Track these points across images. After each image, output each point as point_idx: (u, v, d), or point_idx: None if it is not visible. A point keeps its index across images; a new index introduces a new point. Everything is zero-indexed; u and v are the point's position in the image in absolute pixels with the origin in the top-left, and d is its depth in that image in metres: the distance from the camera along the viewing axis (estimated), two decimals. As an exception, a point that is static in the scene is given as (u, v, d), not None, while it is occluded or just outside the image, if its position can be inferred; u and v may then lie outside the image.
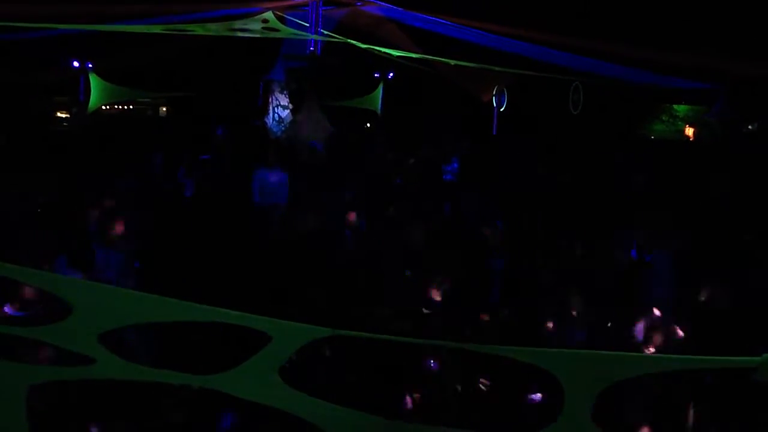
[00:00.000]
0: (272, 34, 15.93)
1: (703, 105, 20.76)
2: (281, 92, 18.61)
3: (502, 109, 18.16)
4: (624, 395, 4.11)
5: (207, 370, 3.13)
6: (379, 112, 20.02)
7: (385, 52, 16.71)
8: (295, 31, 16.37)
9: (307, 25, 16.64)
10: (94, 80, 17.84)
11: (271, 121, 18.79)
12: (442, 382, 4.66)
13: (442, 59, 16.50)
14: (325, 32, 16.60)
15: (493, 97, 17.59)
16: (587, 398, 3.20)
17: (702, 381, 4.47)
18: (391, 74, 20.80)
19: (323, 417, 3.10)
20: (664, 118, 21.56)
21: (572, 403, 3.18)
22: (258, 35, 15.53)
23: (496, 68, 16.36)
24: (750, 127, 18.48)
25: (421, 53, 16.80)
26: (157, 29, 13.81)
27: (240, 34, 15.45)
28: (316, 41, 16.75)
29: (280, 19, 15.92)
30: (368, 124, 20.61)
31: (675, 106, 21.45)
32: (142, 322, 3.05)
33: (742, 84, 16.47)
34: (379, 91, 20.00)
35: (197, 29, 14.33)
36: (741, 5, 17.76)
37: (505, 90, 18.21)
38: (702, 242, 8.54)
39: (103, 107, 19.36)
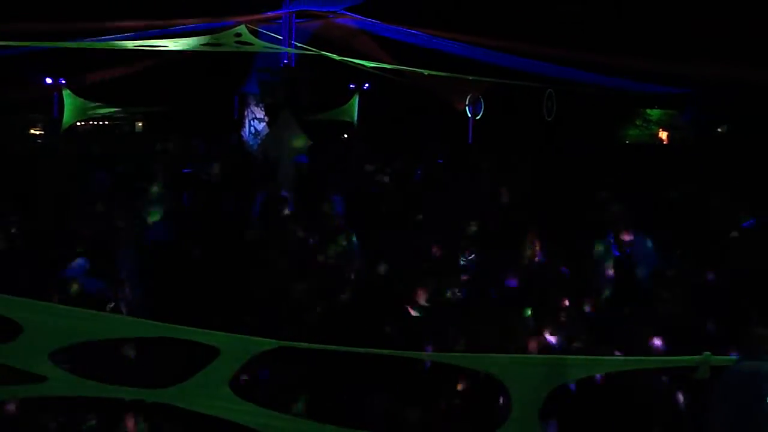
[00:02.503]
0: (245, 48, 15.97)
1: (675, 109, 21.03)
2: (257, 105, 18.67)
3: (478, 118, 18.29)
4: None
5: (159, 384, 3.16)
6: (355, 122, 20.10)
7: (358, 64, 16.81)
8: (269, 45, 16.42)
9: (281, 38, 16.69)
10: (67, 97, 17.80)
11: (247, 134, 18.84)
12: (393, 389, 4.72)
13: (416, 69, 16.61)
14: (299, 45, 16.66)
15: (467, 106, 17.72)
16: (535, 401, 3.26)
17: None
18: (367, 85, 20.90)
19: (275, 428, 3.14)
20: (638, 122, 21.80)
21: (520, 406, 3.25)
22: (231, 49, 15.57)
23: (469, 77, 16.50)
24: (719, 129, 18.75)
25: (394, 64, 16.93)
26: (128, 45, 13.81)
27: (213, 48, 15.48)
28: (289, 54, 16.81)
29: (253, 32, 15.94)
30: (345, 135, 20.70)
31: (648, 111, 21.69)
32: (92, 340, 3.08)
33: (711, 88, 16.71)
34: (355, 101, 20.09)
35: (169, 44, 14.34)
36: (709, 11, 18.04)
37: (481, 98, 18.35)
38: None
39: (78, 123, 19.31)
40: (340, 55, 16.43)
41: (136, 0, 17.05)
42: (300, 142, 16.33)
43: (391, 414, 4.62)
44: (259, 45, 16.25)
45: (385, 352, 3.82)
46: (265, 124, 18.59)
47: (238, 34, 15.39)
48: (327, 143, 17.26)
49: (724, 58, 15.47)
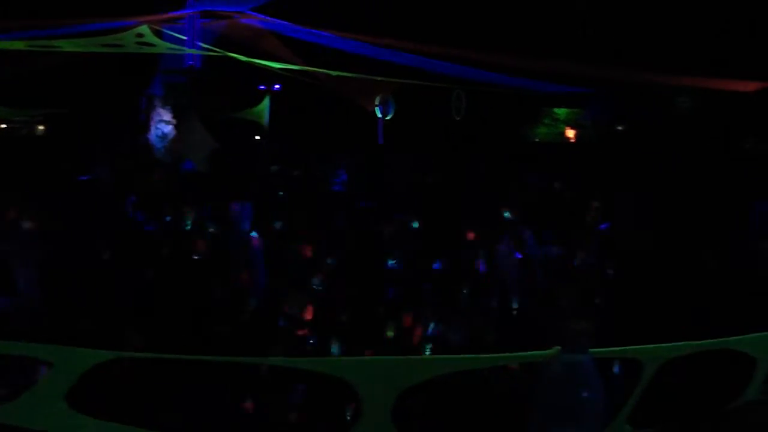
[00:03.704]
0: (148, 49, 15.59)
1: (582, 107, 21.64)
2: (163, 107, 18.26)
3: (388, 118, 18.37)
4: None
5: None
6: (266, 124, 19.89)
7: (266, 65, 16.65)
8: (172, 46, 16.09)
9: (185, 38, 16.39)
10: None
11: (153, 137, 18.39)
12: (244, 396, 4.68)
13: (323, 70, 16.58)
14: (204, 45, 16.39)
15: (376, 107, 17.78)
16: (386, 403, 3.27)
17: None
18: (278, 86, 20.72)
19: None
20: (546, 121, 22.32)
21: (370, 409, 3.25)
22: (132, 51, 15.17)
23: (377, 78, 16.57)
24: (619, 128, 19.44)
25: (302, 65, 16.84)
26: (19, 45, 13.27)
27: (112, 49, 15.05)
28: (194, 55, 16.54)
29: (156, 33, 15.59)
30: (257, 137, 20.46)
31: (556, 110, 22.22)
32: None
33: (611, 88, 17.29)
34: (266, 103, 19.89)
35: (64, 45, 13.86)
36: (609, 16, 18.66)
37: (391, 99, 18.43)
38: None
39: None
40: (247, 56, 16.25)
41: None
42: (206, 144, 16.09)
43: (241, 421, 4.57)
44: (163, 46, 15.92)
45: (229, 359, 3.77)
46: (172, 126, 18.20)
47: (140, 35, 15.03)
48: (237, 146, 17.07)
49: (621, 61, 16.03)
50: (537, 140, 22.68)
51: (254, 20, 16.87)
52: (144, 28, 15.05)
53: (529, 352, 3.29)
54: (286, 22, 16.75)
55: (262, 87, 20.34)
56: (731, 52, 16.03)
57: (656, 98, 17.23)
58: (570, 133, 22.19)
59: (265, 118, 19.86)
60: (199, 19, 16.16)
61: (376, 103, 17.82)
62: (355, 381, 3.17)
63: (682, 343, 3.99)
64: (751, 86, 13.55)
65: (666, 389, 4.19)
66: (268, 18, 16.89)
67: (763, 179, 12.57)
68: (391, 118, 18.16)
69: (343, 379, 3.15)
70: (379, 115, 17.98)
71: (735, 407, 4.22)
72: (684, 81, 15.79)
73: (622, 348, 3.90)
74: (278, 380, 4.70)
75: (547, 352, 3.42)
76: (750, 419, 4.20)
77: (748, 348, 4.04)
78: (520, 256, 7.46)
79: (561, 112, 22.27)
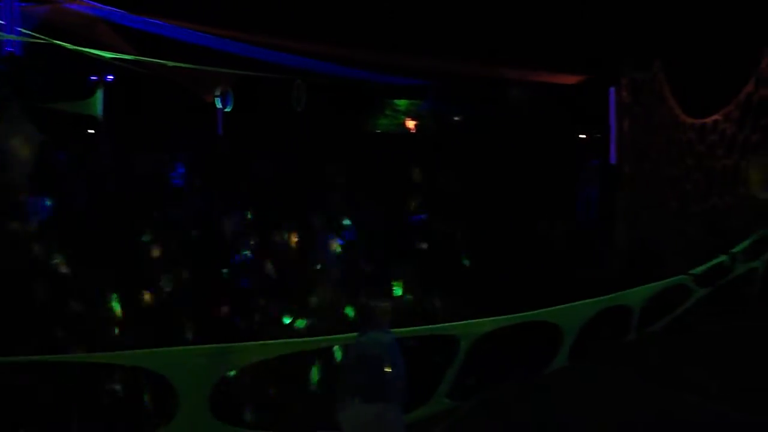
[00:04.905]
0: (-43, 34, 14.44)
1: (420, 99, 22.24)
2: (-20, 99, 16.96)
3: (227, 110, 18.06)
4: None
5: None
6: (99, 116, 18.92)
7: (96, 54, 15.87)
8: (-13, 31, 14.99)
9: (3, 23, 15.29)
10: None
11: (-29, 131, 17.05)
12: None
13: (159, 60, 16.05)
14: (25, 31, 15.37)
15: (216, 98, 17.43)
16: (203, 392, 3.24)
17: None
18: (111, 77, 19.75)
19: None
20: (387, 112, 22.73)
21: (187, 399, 3.20)
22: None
23: (215, 69, 16.27)
24: (456, 118, 20.19)
25: (135, 54, 16.22)
26: None
27: None
28: (15, 41, 15.47)
29: (-33, 16, 14.48)
30: (92, 131, 19.44)
31: (396, 101, 22.68)
32: None
33: (448, 80, 17.94)
34: (99, 95, 18.91)
35: None
36: (447, 11, 19.29)
37: (230, 90, 18.12)
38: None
39: None
40: (74, 44, 15.41)
41: None
42: (31, 138, 15.11)
43: (51, 421, 4.38)
44: (-25, 30, 14.77)
45: (38, 357, 3.58)
46: (-8, 119, 16.93)
47: (-53, 17, 13.87)
48: (67, 139, 16.19)
49: (459, 54, 16.67)
50: (378, 131, 23.07)
51: (81, 6, 16.00)
52: (-48, 10, 13.91)
53: (336, 335, 3.37)
54: (116, 9, 16.02)
55: (94, 77, 19.31)
56: (556, 47, 17.06)
57: (491, 90, 18.07)
58: (410, 124, 22.72)
59: (99, 110, 18.89)
60: (17, 3, 15.11)
61: (216, 94, 17.48)
62: (170, 373, 3.10)
63: (495, 317, 4.21)
64: (572, 79, 14.57)
65: (482, 362, 4.41)
66: (97, 4, 16.08)
67: (587, 168, 13.56)
68: (231, 110, 17.89)
69: (157, 372, 3.08)
70: (219, 107, 17.66)
71: (545, 375, 4.51)
72: (514, 74, 16.67)
73: (438, 325, 4.08)
74: (92, 377, 4.51)
75: (352, 333, 3.51)
76: (558, 386, 4.50)
77: (555, 319, 4.35)
78: (342, 242, 7.64)
79: (401, 103, 22.76)
